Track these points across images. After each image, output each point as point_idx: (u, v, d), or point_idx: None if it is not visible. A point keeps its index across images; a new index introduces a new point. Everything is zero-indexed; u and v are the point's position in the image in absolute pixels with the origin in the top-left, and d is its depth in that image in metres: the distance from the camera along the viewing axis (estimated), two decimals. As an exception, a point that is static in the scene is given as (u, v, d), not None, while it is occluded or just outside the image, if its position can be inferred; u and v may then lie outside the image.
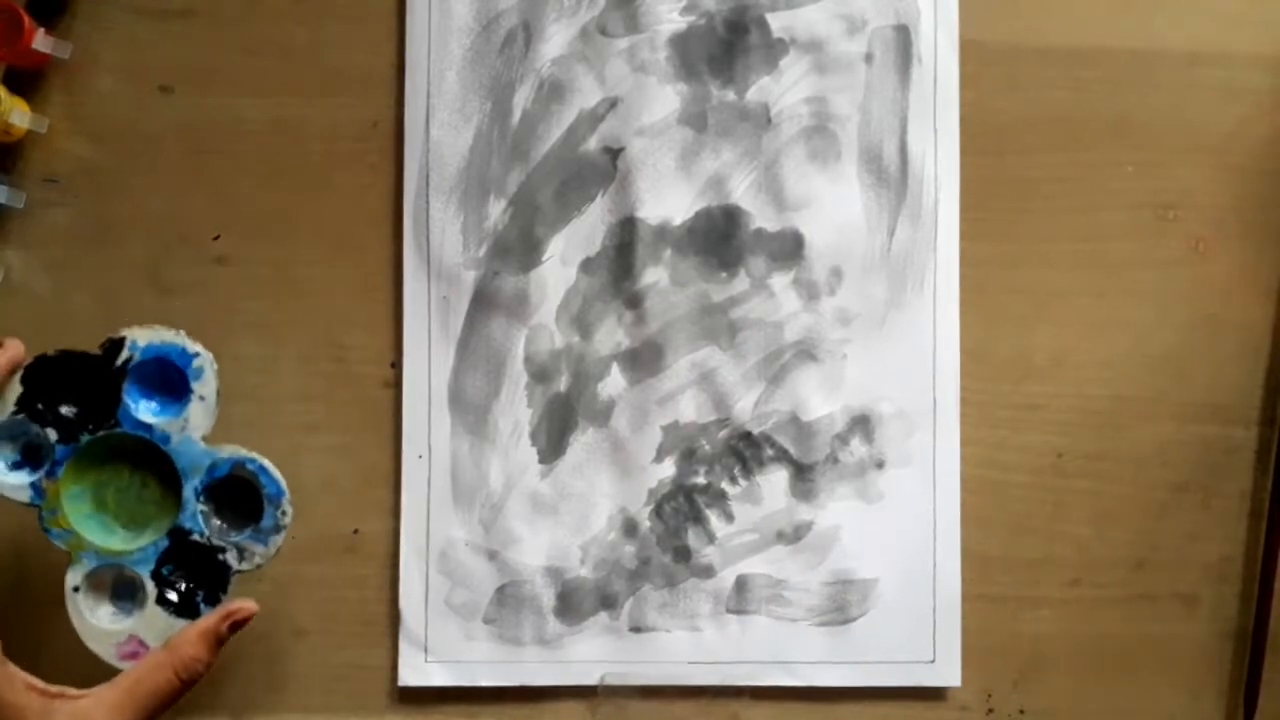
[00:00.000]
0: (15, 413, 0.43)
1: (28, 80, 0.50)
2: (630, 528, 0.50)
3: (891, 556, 0.51)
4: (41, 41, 0.48)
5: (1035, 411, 0.52)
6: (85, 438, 0.44)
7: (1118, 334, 0.52)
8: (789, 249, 0.51)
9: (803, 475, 0.51)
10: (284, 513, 0.44)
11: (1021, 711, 0.52)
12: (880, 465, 0.51)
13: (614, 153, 0.50)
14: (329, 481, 0.50)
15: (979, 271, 0.51)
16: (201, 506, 0.44)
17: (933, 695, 0.52)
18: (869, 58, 0.51)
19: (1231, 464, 0.52)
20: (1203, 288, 0.52)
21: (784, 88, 0.50)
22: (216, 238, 0.51)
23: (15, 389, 0.43)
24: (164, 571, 0.44)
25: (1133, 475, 0.52)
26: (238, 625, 0.44)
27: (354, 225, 0.51)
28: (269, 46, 0.51)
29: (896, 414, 0.51)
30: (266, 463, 0.44)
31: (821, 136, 0.51)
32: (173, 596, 0.44)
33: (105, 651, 0.44)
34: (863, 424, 0.51)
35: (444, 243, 0.50)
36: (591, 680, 0.50)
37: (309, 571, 0.50)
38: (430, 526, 0.50)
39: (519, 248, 0.50)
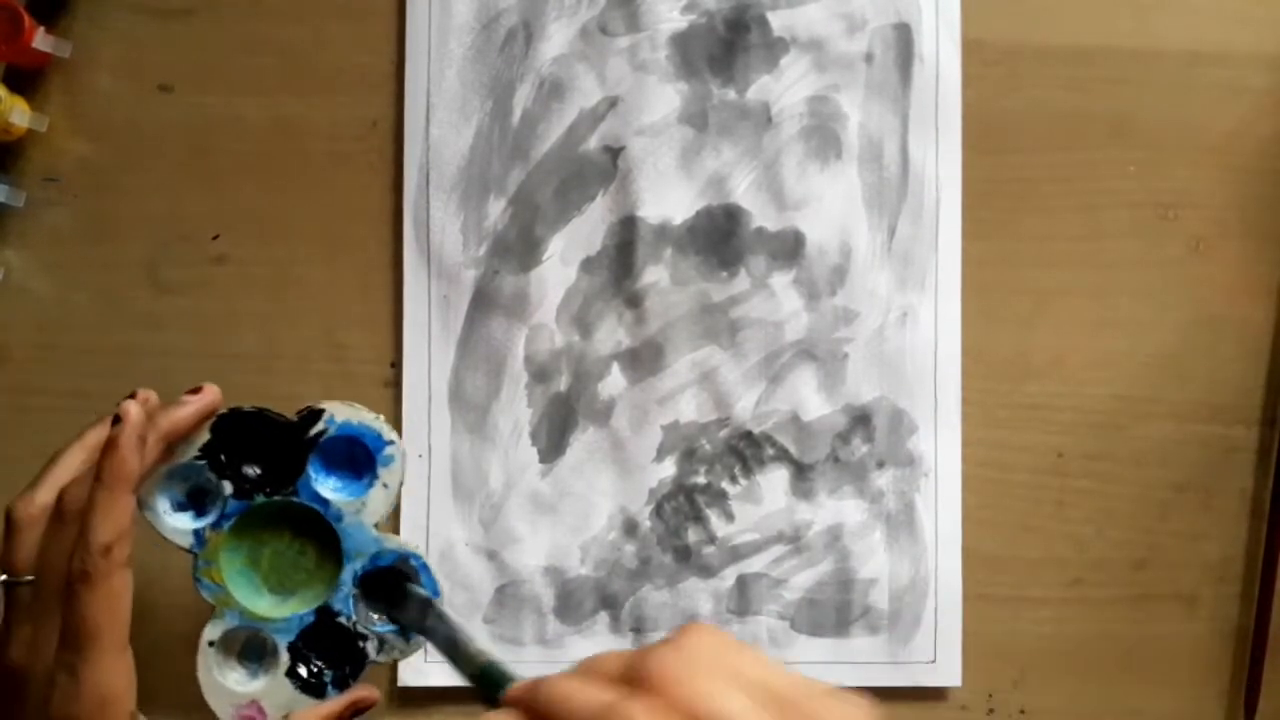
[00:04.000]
0: (198, 458, 0.42)
1: (28, 79, 0.50)
2: (630, 527, 0.50)
3: (892, 556, 0.51)
4: (41, 40, 0.48)
5: (1035, 411, 0.52)
6: (260, 499, 0.42)
7: (1118, 334, 0.52)
8: (789, 248, 0.51)
9: (803, 475, 0.51)
10: (439, 615, 0.42)
11: (1021, 711, 0.52)
12: (880, 465, 0.51)
13: (614, 152, 0.50)
14: (329, 481, 0.50)
15: (979, 271, 0.51)
16: (353, 590, 0.43)
17: (933, 695, 0.51)
18: (869, 57, 0.51)
19: (1231, 464, 0.52)
20: (1203, 288, 0.52)
21: (784, 86, 0.50)
22: (216, 237, 0.51)
23: (203, 435, 0.42)
24: (299, 644, 0.43)
25: (1133, 475, 0.52)
26: (359, 713, 0.43)
27: (354, 224, 0.51)
28: (269, 46, 0.51)
29: (897, 414, 0.51)
30: (429, 562, 0.43)
31: (822, 135, 0.51)
32: (303, 672, 0.43)
33: (225, 712, 0.43)
34: (863, 424, 0.51)
35: (444, 242, 0.50)
36: (591, 680, 0.50)
37: (308, 571, 0.50)
38: (430, 526, 0.50)
39: (519, 247, 0.50)
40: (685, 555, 0.51)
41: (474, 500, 0.50)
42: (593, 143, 0.50)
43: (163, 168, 0.50)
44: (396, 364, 0.51)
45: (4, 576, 0.39)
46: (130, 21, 0.50)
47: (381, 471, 0.42)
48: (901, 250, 0.51)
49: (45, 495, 0.39)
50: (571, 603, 0.50)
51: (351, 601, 0.43)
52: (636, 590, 0.50)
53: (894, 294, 0.51)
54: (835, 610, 0.51)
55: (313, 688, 0.43)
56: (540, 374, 0.50)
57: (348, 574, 0.43)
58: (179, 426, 0.41)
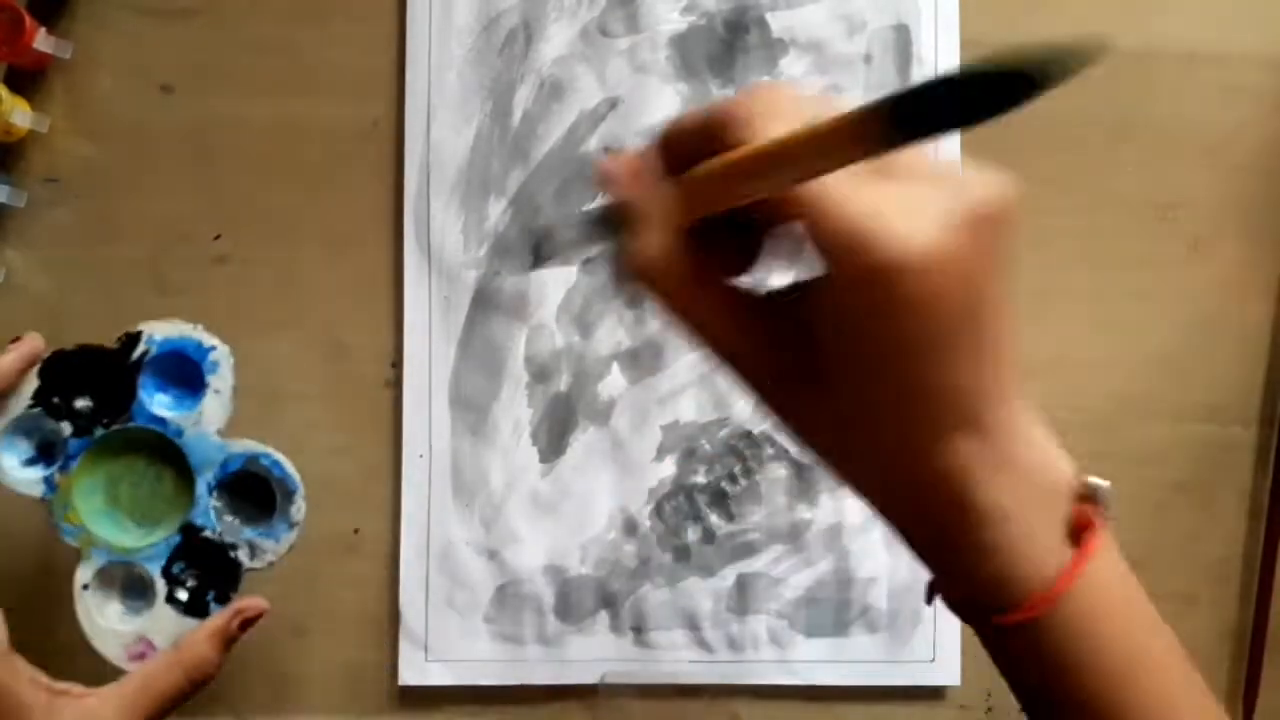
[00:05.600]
0: (31, 406, 0.42)
1: (29, 80, 0.50)
2: (630, 527, 0.51)
3: (891, 556, 0.51)
4: (42, 41, 0.48)
5: (1035, 412, 0.52)
6: (99, 431, 0.43)
7: (1118, 334, 0.52)
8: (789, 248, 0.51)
9: (803, 474, 0.51)
10: (297, 509, 0.44)
11: (1020, 710, 0.52)
12: (880, 465, 0.51)
13: (614, 153, 0.50)
14: (329, 481, 0.50)
15: (979, 271, 0.51)
16: (215, 502, 0.43)
17: (932, 695, 0.52)
18: (868, 58, 0.51)
19: (1231, 464, 0.52)
20: (1203, 288, 0.52)
21: (784, 88, 0.50)
22: (217, 237, 0.51)
23: (32, 383, 0.43)
24: (174, 570, 0.43)
25: (1131, 475, 0.52)
26: (248, 623, 0.43)
27: (355, 225, 0.51)
28: (270, 46, 0.51)
29: (896, 414, 0.51)
30: (280, 457, 0.44)
31: (821, 136, 0.51)
32: (182, 595, 0.43)
33: (113, 653, 0.43)
34: (863, 423, 0.51)
35: (445, 242, 0.50)
36: (591, 680, 0.51)
37: (309, 571, 0.50)
38: (430, 526, 0.50)
39: (519, 247, 0.50)
40: (685, 555, 0.51)
41: (474, 500, 0.50)
42: (593, 144, 0.50)
43: (164, 168, 0.50)
44: (397, 364, 0.51)
45: None
46: (131, 22, 0.50)
47: (211, 379, 0.43)
48: (901, 250, 0.51)
49: None
50: (571, 602, 0.50)
51: (213, 514, 0.43)
52: (636, 589, 0.51)
53: (893, 294, 0.51)
54: (834, 609, 0.51)
55: (195, 609, 0.44)
56: (540, 374, 0.50)
57: (202, 486, 0.43)
58: (2, 372, 0.42)
